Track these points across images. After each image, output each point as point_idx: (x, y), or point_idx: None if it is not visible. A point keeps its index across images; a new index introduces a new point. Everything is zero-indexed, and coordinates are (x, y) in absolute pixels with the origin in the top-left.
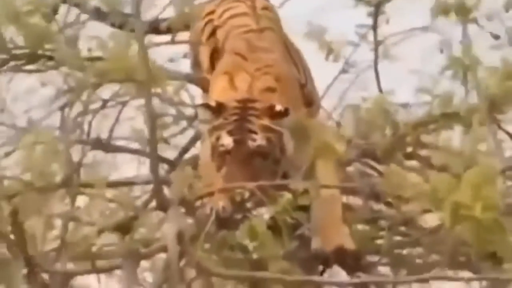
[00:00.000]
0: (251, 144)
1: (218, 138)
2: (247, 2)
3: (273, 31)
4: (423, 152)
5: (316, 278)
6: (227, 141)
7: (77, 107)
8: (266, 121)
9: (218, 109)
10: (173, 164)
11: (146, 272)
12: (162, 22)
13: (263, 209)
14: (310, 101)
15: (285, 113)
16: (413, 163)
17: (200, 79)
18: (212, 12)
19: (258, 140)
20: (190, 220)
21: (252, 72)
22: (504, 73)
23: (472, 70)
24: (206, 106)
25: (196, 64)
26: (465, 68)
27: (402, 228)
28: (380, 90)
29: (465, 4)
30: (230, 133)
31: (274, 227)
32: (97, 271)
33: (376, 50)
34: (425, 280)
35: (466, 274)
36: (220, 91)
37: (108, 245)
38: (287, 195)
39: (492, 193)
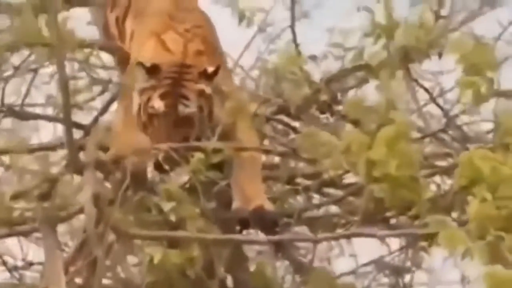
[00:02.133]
0: (181, 109)
1: (149, 99)
2: None
3: None
4: (338, 106)
5: (234, 236)
6: (158, 104)
7: None
8: (201, 85)
9: (152, 71)
10: (88, 130)
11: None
12: None
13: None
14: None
15: (215, 73)
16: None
17: (113, 47)
18: None
19: (190, 107)
20: (106, 183)
21: (182, 33)
22: (418, 24)
23: (393, 33)
24: (141, 65)
25: (106, 32)
26: (387, 32)
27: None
28: (296, 47)
29: None
30: (162, 96)
31: (192, 186)
32: (15, 234)
33: (292, 9)
34: (342, 237)
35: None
36: (152, 52)
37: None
38: (199, 155)
39: (407, 150)
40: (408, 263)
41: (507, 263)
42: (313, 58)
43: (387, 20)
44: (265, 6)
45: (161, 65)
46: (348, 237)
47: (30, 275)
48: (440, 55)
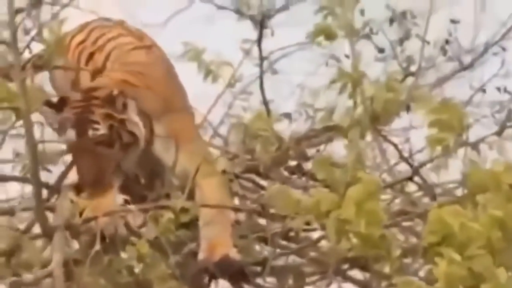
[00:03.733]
0: (91, 134)
1: (64, 133)
2: (118, 27)
3: (159, 48)
4: (307, 166)
5: None
6: (70, 134)
7: None
8: (107, 109)
9: (60, 105)
10: (53, 189)
11: None
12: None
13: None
14: None
15: (119, 96)
16: (297, 177)
17: None
18: (83, 42)
19: (100, 129)
20: (75, 245)
21: (115, 71)
22: (386, 85)
23: (359, 83)
24: (48, 104)
25: (75, 87)
26: (353, 81)
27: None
28: (266, 105)
29: (352, 26)
30: (73, 126)
31: (160, 245)
32: None
33: (261, 65)
34: None
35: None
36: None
37: None
38: (169, 215)
39: (375, 208)
40: None
41: None
42: (287, 116)
43: (354, 70)
44: (234, 62)
45: (69, 96)
46: None
47: None
48: (408, 109)
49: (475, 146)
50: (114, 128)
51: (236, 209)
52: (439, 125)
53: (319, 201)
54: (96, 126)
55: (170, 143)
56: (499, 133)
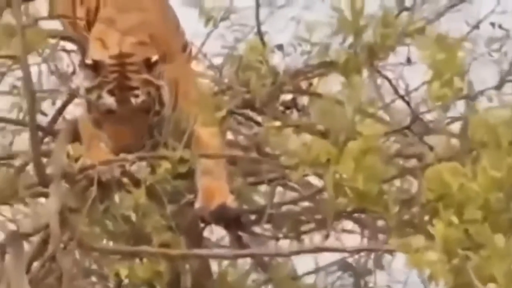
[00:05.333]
0: (134, 101)
1: (99, 97)
2: None
3: None
4: (303, 101)
5: (200, 251)
6: (109, 100)
7: None
8: (144, 75)
9: (95, 67)
10: (47, 131)
11: None
12: None
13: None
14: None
15: (158, 62)
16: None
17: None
18: None
19: (141, 96)
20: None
21: (123, 30)
22: (382, 20)
23: (361, 33)
24: (83, 65)
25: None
26: (355, 31)
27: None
28: (261, 36)
29: None
30: (111, 92)
31: (156, 195)
32: None
33: None
34: (310, 252)
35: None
36: (93, 52)
37: None
38: (166, 164)
39: (374, 163)
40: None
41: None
42: (280, 47)
43: (353, 16)
44: None
45: (102, 61)
46: (316, 251)
47: None
48: (409, 61)
49: (474, 98)
50: (151, 95)
51: (234, 158)
52: (437, 71)
53: (318, 154)
54: (136, 92)
55: (170, 91)
56: (498, 87)
